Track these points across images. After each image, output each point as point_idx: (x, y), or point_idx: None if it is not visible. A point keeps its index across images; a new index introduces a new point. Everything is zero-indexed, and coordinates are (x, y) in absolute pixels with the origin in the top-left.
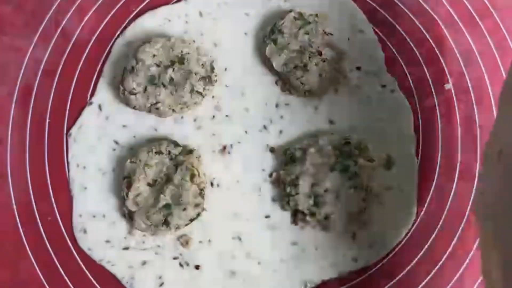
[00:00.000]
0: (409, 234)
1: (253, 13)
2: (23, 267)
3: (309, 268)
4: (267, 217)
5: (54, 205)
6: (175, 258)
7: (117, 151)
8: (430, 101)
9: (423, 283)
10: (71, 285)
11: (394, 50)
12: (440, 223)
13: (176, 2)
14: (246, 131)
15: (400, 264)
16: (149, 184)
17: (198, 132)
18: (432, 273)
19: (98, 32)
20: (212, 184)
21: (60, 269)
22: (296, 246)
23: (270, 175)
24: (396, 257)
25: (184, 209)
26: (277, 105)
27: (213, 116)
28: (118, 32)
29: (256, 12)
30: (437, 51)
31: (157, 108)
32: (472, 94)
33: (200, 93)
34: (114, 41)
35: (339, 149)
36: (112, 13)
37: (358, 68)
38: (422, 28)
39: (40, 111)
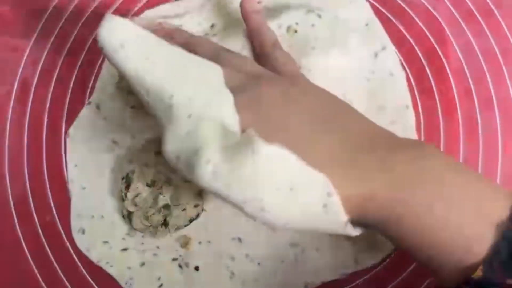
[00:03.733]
0: None
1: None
2: (21, 267)
3: (310, 269)
4: None
5: (52, 205)
6: (174, 259)
7: (116, 151)
8: (432, 101)
9: (425, 284)
10: (69, 286)
11: (394, 49)
12: None
13: (175, 0)
14: None
15: (401, 265)
16: (148, 185)
17: None
18: None
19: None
20: None
21: (58, 270)
22: (297, 248)
23: None
24: (397, 258)
25: (184, 209)
26: None
27: None
28: None
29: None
30: (438, 50)
31: None
32: (474, 94)
33: None
34: None
35: None
36: (111, 12)
37: None
38: (423, 27)
39: (38, 110)
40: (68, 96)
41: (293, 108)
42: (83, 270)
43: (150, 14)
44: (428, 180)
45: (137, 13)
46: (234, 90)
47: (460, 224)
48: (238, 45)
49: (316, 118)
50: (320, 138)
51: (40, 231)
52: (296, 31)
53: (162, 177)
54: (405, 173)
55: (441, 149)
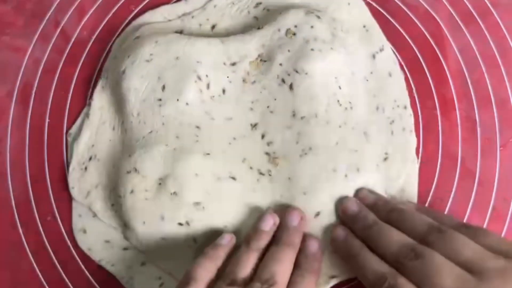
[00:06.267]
0: None
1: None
2: (23, 267)
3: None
4: None
5: (54, 204)
6: None
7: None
8: (431, 101)
9: None
10: (70, 285)
11: (393, 49)
12: None
13: (176, 1)
14: None
15: None
16: None
17: None
18: None
19: (97, 32)
20: None
21: (60, 269)
22: None
23: None
24: None
25: None
26: None
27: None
28: (118, 32)
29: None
30: (437, 50)
31: None
32: (472, 94)
33: None
34: (114, 41)
35: None
36: (112, 12)
37: None
38: (421, 27)
39: (39, 111)
40: (69, 96)
41: None
42: (84, 269)
43: (152, 15)
44: None
45: (138, 14)
46: None
47: None
48: (239, 46)
49: None
50: None
51: (41, 230)
52: (294, 34)
53: None
54: None
55: (440, 149)
